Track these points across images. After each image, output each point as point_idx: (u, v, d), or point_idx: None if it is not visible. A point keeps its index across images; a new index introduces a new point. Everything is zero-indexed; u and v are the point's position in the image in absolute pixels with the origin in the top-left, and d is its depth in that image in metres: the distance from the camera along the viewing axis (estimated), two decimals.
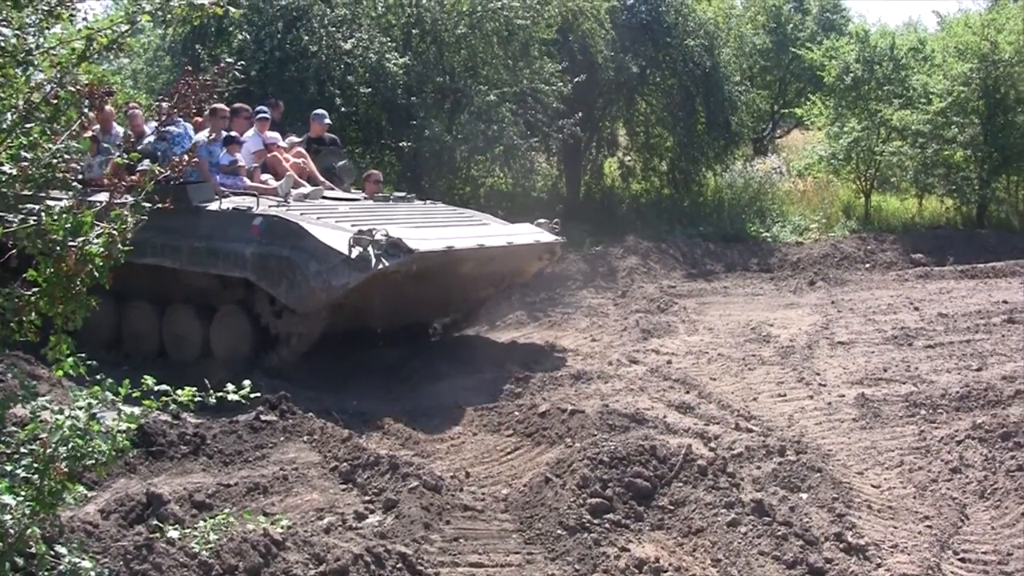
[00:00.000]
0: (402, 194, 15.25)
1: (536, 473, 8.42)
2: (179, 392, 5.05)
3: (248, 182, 13.68)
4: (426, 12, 18.86)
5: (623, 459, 8.23)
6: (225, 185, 13.33)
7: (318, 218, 12.52)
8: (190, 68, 6.05)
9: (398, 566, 6.73)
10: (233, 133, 13.76)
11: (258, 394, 5.81)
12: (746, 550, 7.28)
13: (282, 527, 6.28)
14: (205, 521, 5.54)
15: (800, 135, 36.75)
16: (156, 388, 5.03)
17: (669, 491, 8.07)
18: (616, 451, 8.29)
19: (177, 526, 5.86)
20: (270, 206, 12.68)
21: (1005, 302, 16.56)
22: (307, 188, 13.97)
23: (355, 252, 11.60)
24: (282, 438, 9.51)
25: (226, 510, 6.60)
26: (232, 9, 5.21)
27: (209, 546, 5.54)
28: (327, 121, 15.39)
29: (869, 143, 25.88)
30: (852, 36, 27.35)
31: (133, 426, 4.89)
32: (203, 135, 13.49)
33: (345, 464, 8.78)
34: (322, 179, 14.61)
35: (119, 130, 13.96)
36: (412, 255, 11.77)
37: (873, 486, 8.89)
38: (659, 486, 8.13)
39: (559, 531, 7.49)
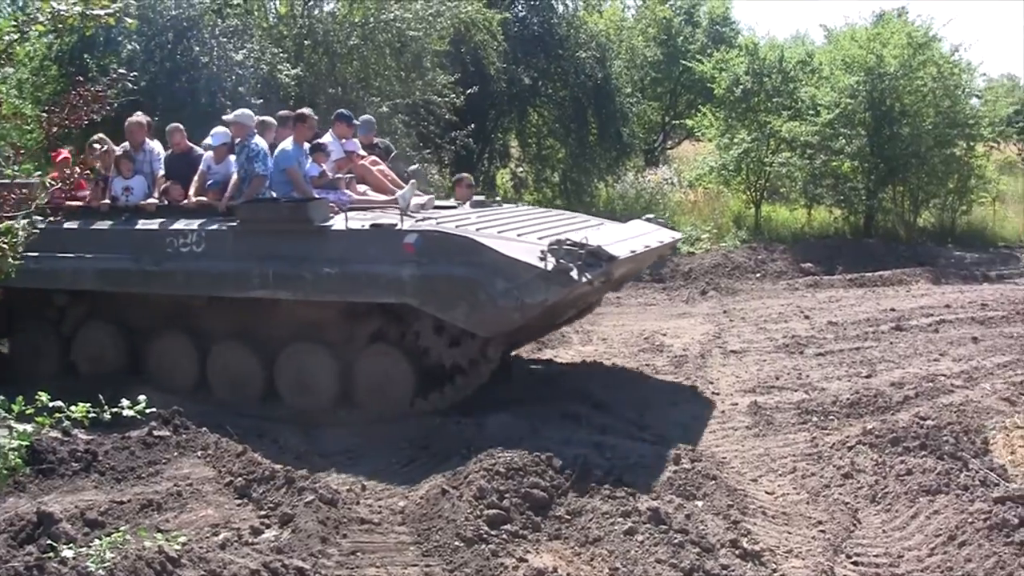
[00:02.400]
0: (481, 198, 13.86)
1: (433, 485, 8.40)
2: (72, 408, 4.97)
3: (353, 195, 12.32)
4: (318, 23, 18.78)
5: (519, 470, 8.25)
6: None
7: (478, 229, 10.92)
8: (81, 79, 5.94)
9: None
10: (321, 141, 12.45)
11: (153, 409, 5.70)
12: (643, 558, 7.32)
13: (179, 544, 6.19)
14: (100, 539, 5.46)
15: (691, 146, 37.16)
16: (50, 404, 4.95)
17: (566, 501, 8.12)
18: (512, 462, 8.31)
19: (71, 545, 5.75)
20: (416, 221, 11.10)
21: (893, 310, 16.89)
22: (423, 198, 12.32)
23: (551, 264, 10.13)
24: (175, 453, 9.39)
25: (122, 528, 6.51)
26: (129, 20, 5.13)
27: (105, 565, 5.45)
28: (361, 125, 14.03)
29: (759, 154, 26.25)
30: (742, 49, 27.68)
31: (25, 443, 4.80)
32: (288, 144, 11.98)
33: (240, 479, 8.69)
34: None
35: (152, 145, 13.15)
36: (613, 263, 10.51)
37: (767, 492, 9.00)
38: (556, 496, 8.17)
39: (457, 543, 7.48)
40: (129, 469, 9.04)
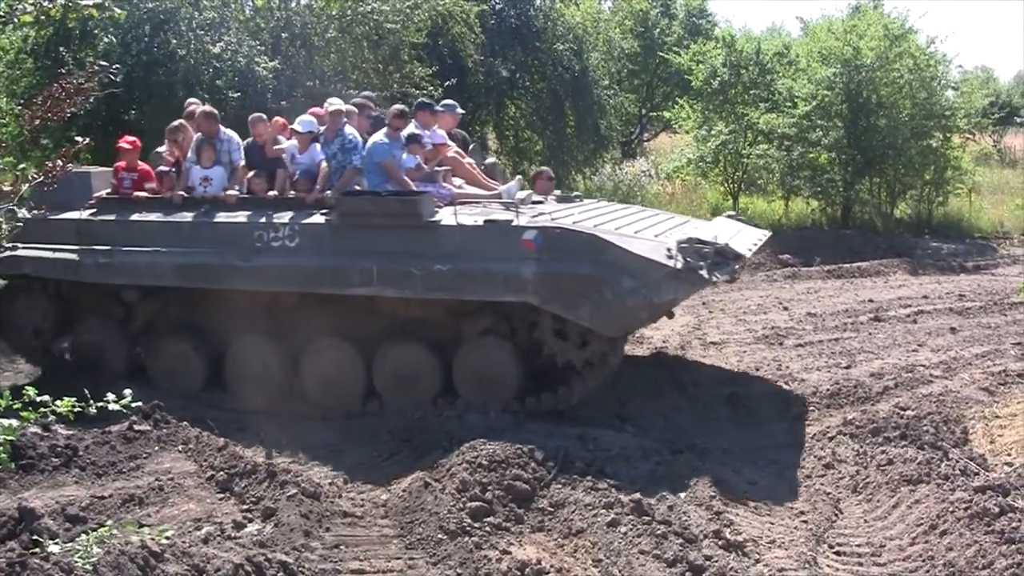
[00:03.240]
0: (560, 193, 13.14)
1: (415, 478, 8.39)
2: (58, 403, 4.94)
3: (453, 189, 11.93)
4: (295, 16, 18.71)
5: (502, 462, 8.27)
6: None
7: (595, 226, 10.71)
8: (63, 71, 5.91)
9: (279, 574, 6.67)
10: (415, 131, 11.87)
11: (139, 403, 5.65)
12: (627, 549, 7.34)
13: (167, 538, 6.17)
14: (87, 534, 5.43)
15: (668, 138, 37.20)
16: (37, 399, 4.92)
17: (549, 493, 8.14)
18: (495, 454, 8.32)
19: (57, 540, 5.72)
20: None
21: (871, 301, 16.95)
22: (523, 192, 12.02)
23: (680, 263, 10.00)
24: (156, 448, 9.37)
25: (107, 522, 6.48)
26: (117, 11, 5.09)
27: (93, 559, 5.43)
28: (460, 111, 13.52)
29: (736, 146, 26.28)
30: (719, 41, 27.68)
31: (11, 438, 4.77)
32: (381, 135, 11.61)
33: (222, 473, 8.68)
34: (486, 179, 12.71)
35: (230, 134, 12.36)
36: (740, 261, 10.41)
37: (749, 483, 9.03)
38: (538, 488, 8.19)
39: (440, 535, 7.48)
40: (110, 464, 9.03)
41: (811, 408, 11.14)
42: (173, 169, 12.16)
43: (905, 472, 8.63)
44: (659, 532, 7.51)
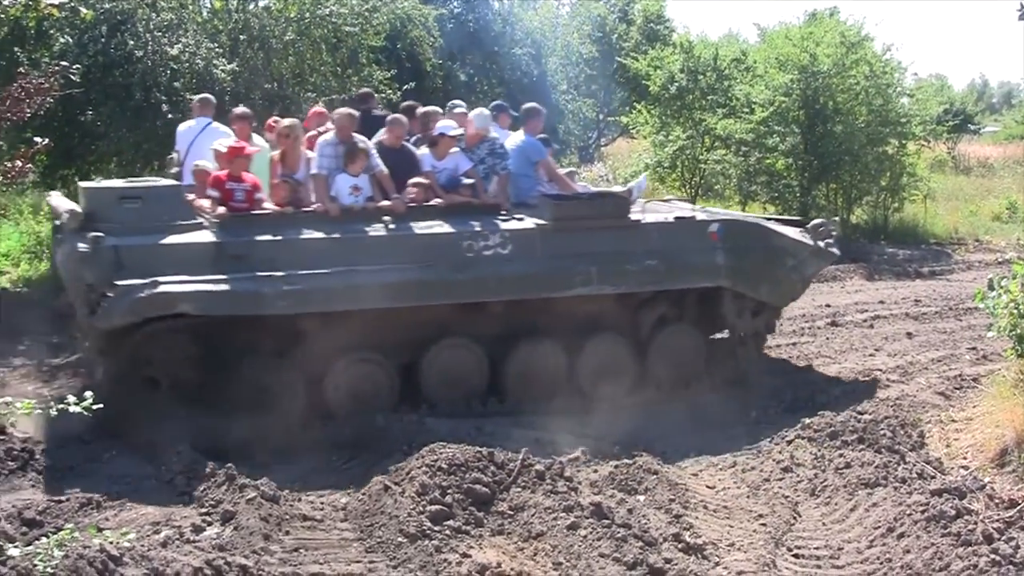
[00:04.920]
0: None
1: (375, 481, 8.36)
2: (18, 404, 4.91)
3: (578, 188, 12.76)
4: (253, 18, 18.58)
5: (461, 465, 8.26)
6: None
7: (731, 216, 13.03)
8: (20, 71, 5.87)
9: None
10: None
11: (100, 405, 5.57)
12: (587, 552, 7.36)
13: (129, 540, 6.13)
14: (47, 537, 5.39)
15: (626, 143, 37.28)
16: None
17: (508, 496, 8.14)
18: (454, 458, 8.31)
19: (16, 544, 5.67)
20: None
21: (828, 306, 17.04)
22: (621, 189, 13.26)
23: (819, 242, 12.36)
24: (114, 451, 9.29)
25: (66, 526, 6.43)
26: (83, 10, 5.06)
27: (54, 563, 5.38)
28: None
29: (694, 151, 26.36)
30: (676, 46, 27.79)
31: None
32: (519, 137, 12.29)
33: (180, 476, 8.63)
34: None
35: (364, 138, 11.60)
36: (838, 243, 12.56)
37: (708, 487, 9.09)
38: (498, 491, 8.19)
39: (400, 539, 7.48)
40: (67, 468, 8.94)
41: (769, 412, 11.22)
42: (293, 177, 11.35)
43: (863, 475, 8.71)
44: (619, 535, 7.53)
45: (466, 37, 25.92)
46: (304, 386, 10.55)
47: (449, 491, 7.98)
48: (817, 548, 7.83)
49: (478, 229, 10.94)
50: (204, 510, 8.03)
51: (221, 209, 10.47)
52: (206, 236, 10.19)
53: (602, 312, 11.60)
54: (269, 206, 10.87)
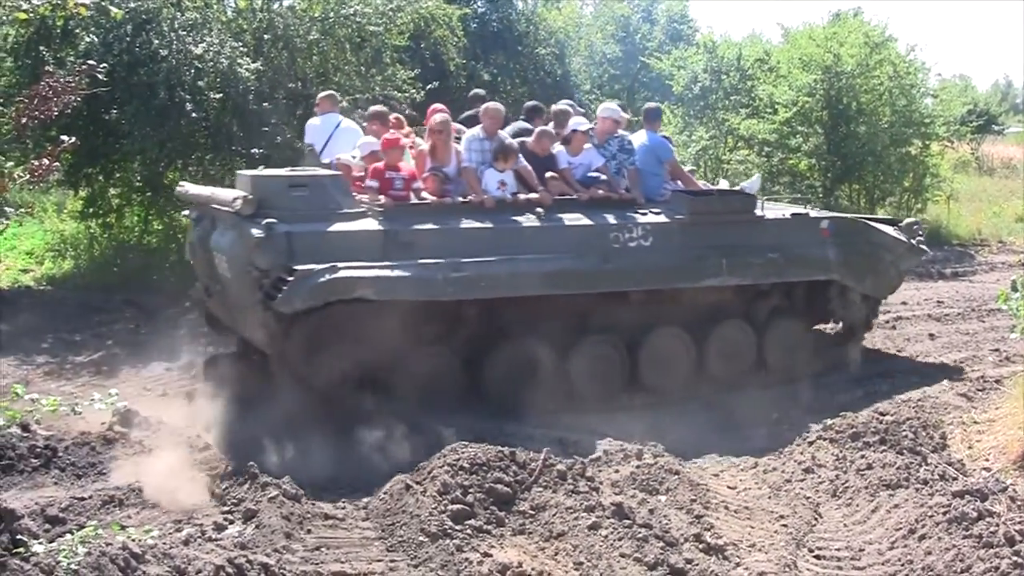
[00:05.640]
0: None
1: (396, 480, 8.38)
2: (44, 402, 4.94)
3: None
4: (278, 17, 18.62)
5: (483, 465, 8.26)
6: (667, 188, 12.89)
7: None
8: (49, 70, 5.90)
9: None
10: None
11: (124, 403, 5.61)
12: (607, 552, 7.35)
13: (152, 538, 6.16)
14: (71, 534, 5.42)
15: None
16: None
17: (530, 496, 8.13)
18: (476, 457, 8.31)
19: (40, 541, 5.70)
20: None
21: None
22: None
23: (914, 239, 13.36)
24: (137, 449, 9.32)
25: (88, 524, 6.46)
26: (114, 10, 5.09)
27: (78, 559, 5.41)
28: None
29: (717, 151, 26.36)
30: (700, 46, 27.76)
31: None
32: (645, 136, 13.11)
33: (203, 474, 8.66)
34: None
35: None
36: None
37: (729, 487, 9.08)
38: (520, 491, 8.18)
39: (421, 538, 7.49)
40: (90, 465, 8.97)
41: (791, 412, 11.21)
42: (443, 170, 11.68)
43: (884, 477, 8.69)
44: (640, 535, 7.53)
45: (490, 37, 25.92)
46: (459, 370, 11.06)
47: (471, 490, 7.99)
48: (838, 549, 7.81)
49: (623, 222, 11.55)
50: (227, 508, 8.07)
51: (381, 199, 10.94)
52: (372, 224, 10.60)
53: (722, 302, 12.29)
54: (425, 196, 11.34)
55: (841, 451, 9.46)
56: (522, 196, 11.53)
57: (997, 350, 13.97)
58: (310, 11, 18.97)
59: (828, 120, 25.01)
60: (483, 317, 11.11)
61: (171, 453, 9.18)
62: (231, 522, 7.78)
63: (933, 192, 26.21)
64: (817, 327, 13.69)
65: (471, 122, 12.59)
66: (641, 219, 11.66)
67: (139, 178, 18.47)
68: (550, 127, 12.48)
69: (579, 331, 11.58)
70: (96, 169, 17.83)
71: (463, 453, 8.36)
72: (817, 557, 7.72)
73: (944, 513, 7.74)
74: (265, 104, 17.43)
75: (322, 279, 9.89)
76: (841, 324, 13.65)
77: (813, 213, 13.25)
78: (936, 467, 8.94)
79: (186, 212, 12.91)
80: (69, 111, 6.18)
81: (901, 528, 7.83)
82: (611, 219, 11.53)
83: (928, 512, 7.84)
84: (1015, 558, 7.07)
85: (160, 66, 16.47)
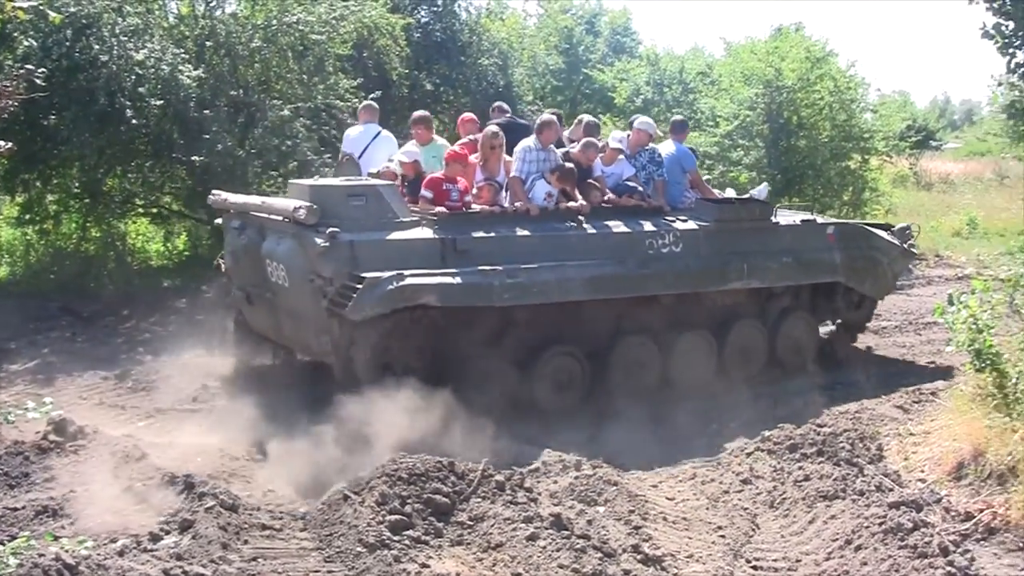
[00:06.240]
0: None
1: (334, 490, 8.33)
2: None
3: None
4: (220, 24, 18.52)
5: (422, 475, 8.22)
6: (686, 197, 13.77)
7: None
8: None
9: None
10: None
11: (59, 412, 5.55)
12: (546, 563, 7.34)
13: (87, 548, 6.08)
14: (2, 544, 5.34)
15: None
16: None
17: (468, 507, 8.11)
18: (415, 467, 8.27)
19: None
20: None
21: None
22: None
23: (905, 243, 14.06)
24: (71, 459, 9.21)
25: (21, 534, 6.37)
26: (52, 14, 5.03)
27: (9, 571, 5.34)
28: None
29: None
30: (642, 59, 27.96)
31: None
32: (672, 146, 14.14)
33: (139, 484, 8.56)
34: None
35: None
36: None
37: (667, 498, 9.10)
38: (458, 502, 8.15)
39: (359, 548, 7.43)
40: (23, 475, 8.86)
41: (730, 424, 11.26)
42: (496, 180, 12.31)
43: (821, 488, 8.75)
44: (578, 546, 7.52)
45: (433, 47, 25.83)
46: (513, 374, 11.40)
47: (409, 501, 7.94)
48: (775, 560, 7.85)
49: (657, 229, 12.33)
50: (162, 518, 7.97)
51: (439, 209, 11.49)
52: (428, 232, 11.04)
53: (737, 304, 13.19)
54: (476, 206, 11.89)
55: (779, 462, 9.52)
56: (568, 204, 12.16)
57: (933, 363, 14.12)
58: (252, 18, 18.90)
59: (769, 134, 25.19)
60: (531, 322, 11.55)
61: (106, 463, 9.08)
62: (167, 532, 7.68)
63: (872, 206, 26.43)
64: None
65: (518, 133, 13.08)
66: (672, 226, 12.43)
67: (77, 184, 18.33)
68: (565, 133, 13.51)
69: (615, 334, 12.14)
70: (33, 175, 17.65)
71: (402, 463, 8.32)
72: (754, 567, 7.76)
73: (880, 524, 7.82)
74: (206, 111, 17.31)
75: (390, 286, 10.30)
76: (837, 324, 14.65)
77: (820, 219, 14.47)
78: (872, 478, 9.01)
79: (219, 220, 13.38)
80: (6, 116, 6.11)
81: (838, 539, 7.90)
82: (647, 226, 12.26)
83: (864, 523, 7.91)
84: (949, 568, 7.17)
85: (100, 72, 16.32)
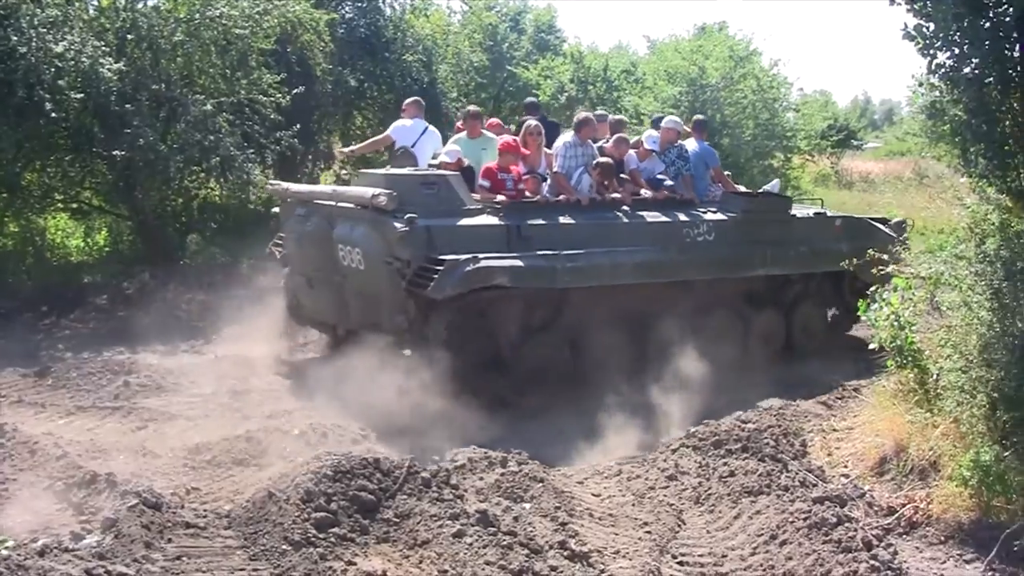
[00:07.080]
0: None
1: (259, 488, 8.26)
2: None
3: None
4: (141, 17, 18.28)
5: (347, 472, 8.16)
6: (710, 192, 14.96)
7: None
8: None
9: None
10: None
11: None
12: (472, 560, 7.32)
13: (7, 548, 5.98)
14: None
15: None
16: None
17: (394, 504, 8.06)
18: (340, 464, 8.21)
19: None
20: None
21: None
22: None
23: (900, 236, 14.50)
24: None
25: None
26: None
27: None
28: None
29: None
30: (567, 57, 27.99)
31: None
32: (695, 144, 15.19)
33: (60, 483, 8.44)
34: None
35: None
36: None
37: (594, 495, 9.11)
38: (384, 499, 8.10)
39: (284, 546, 7.36)
40: None
41: (655, 420, 11.31)
42: (538, 172, 13.23)
43: (746, 484, 8.82)
44: (505, 543, 7.51)
45: (357, 43, 25.74)
46: (568, 352, 12.47)
47: (334, 498, 7.88)
48: (701, 555, 7.89)
49: (692, 219, 13.43)
50: (84, 517, 7.87)
51: (499, 197, 12.39)
52: (493, 219, 11.96)
53: (755, 290, 14.33)
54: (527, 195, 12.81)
55: (704, 458, 9.58)
56: (612, 195, 13.24)
57: (855, 360, 14.27)
58: (175, 12, 18.72)
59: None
60: (581, 304, 12.39)
61: (26, 461, 8.94)
62: (89, 532, 7.58)
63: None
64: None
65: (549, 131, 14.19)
66: (705, 217, 13.54)
67: None
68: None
69: (652, 316, 12.74)
70: None
71: (327, 460, 8.27)
72: (680, 563, 7.79)
73: (804, 519, 7.89)
74: (128, 105, 17.10)
75: (468, 268, 11.03)
76: (838, 311, 15.76)
77: (829, 213, 15.61)
78: (796, 474, 9.11)
79: (275, 209, 14.45)
80: None
81: (763, 534, 7.96)
82: (682, 217, 13.36)
83: (789, 518, 7.98)
84: (872, 562, 7.25)
85: (18, 63, 16.04)
